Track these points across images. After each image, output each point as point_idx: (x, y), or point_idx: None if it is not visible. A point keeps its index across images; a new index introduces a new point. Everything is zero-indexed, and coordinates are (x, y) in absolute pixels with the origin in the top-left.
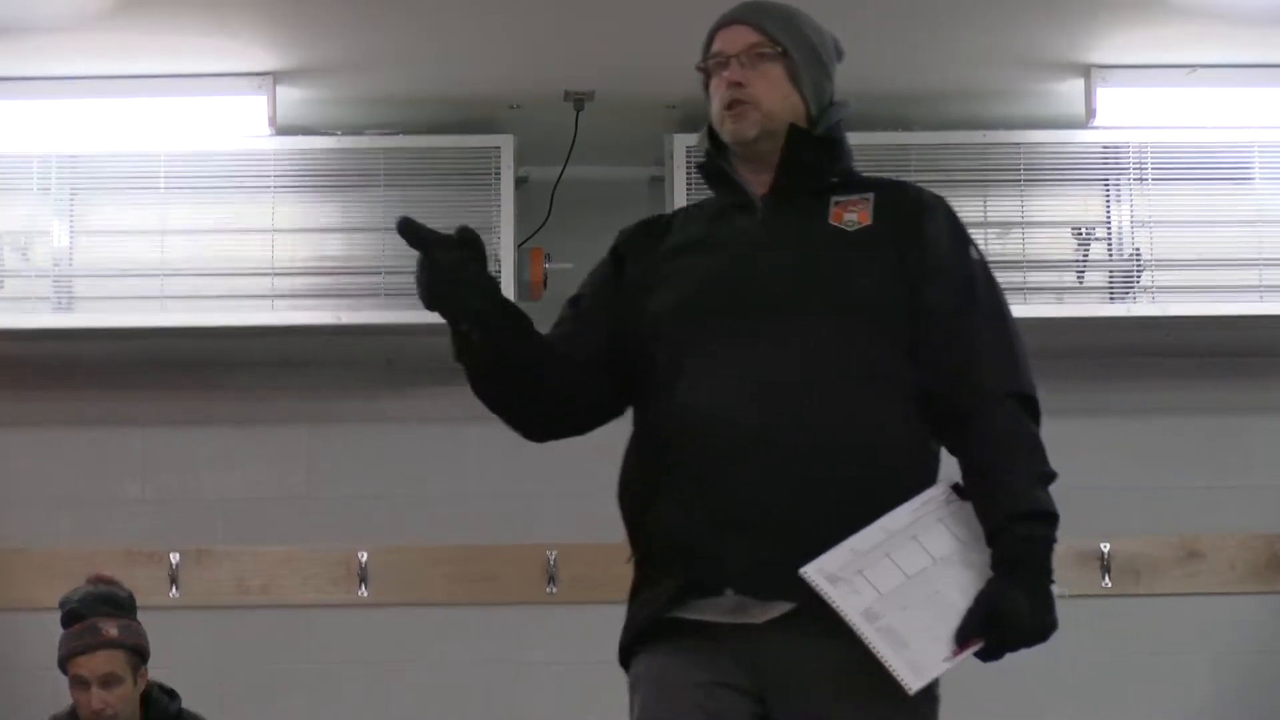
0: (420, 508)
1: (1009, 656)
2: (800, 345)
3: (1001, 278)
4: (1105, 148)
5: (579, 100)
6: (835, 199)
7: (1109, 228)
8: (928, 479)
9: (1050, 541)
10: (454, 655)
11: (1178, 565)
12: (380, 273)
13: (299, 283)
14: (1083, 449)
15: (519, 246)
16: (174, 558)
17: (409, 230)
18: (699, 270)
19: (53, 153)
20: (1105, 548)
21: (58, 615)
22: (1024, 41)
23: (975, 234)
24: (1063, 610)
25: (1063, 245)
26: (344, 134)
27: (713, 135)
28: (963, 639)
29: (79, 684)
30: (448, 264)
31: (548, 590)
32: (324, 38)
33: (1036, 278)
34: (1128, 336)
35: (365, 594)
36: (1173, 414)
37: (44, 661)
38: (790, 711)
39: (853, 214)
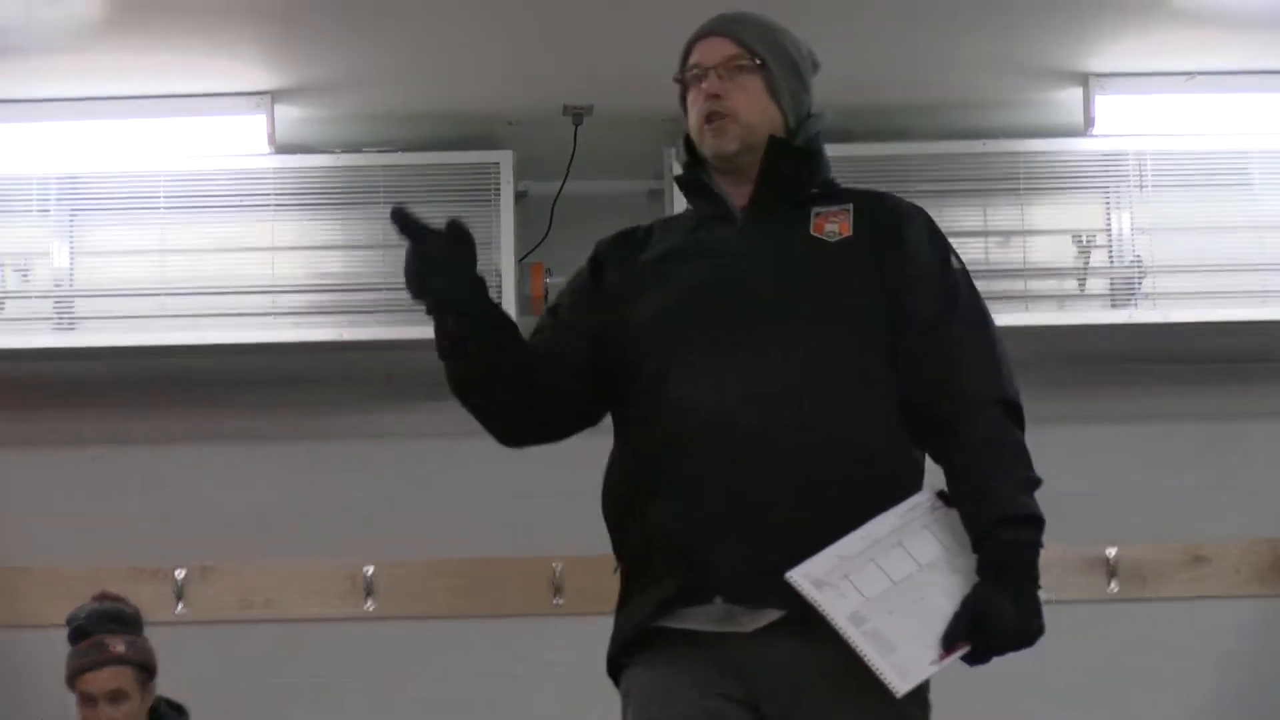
0: (423, 522)
1: (1011, 660)
2: (785, 353)
3: (1003, 286)
4: (1105, 156)
5: (577, 115)
6: (816, 210)
7: (1109, 235)
8: (915, 485)
9: (1036, 546)
10: (459, 668)
11: (1183, 570)
12: (380, 289)
13: (299, 300)
14: (1086, 455)
15: (519, 261)
16: (178, 574)
17: (402, 219)
18: (680, 280)
19: (52, 174)
20: (1110, 553)
21: (64, 632)
22: (1023, 50)
23: (976, 243)
24: (1070, 615)
25: (1063, 253)
26: (343, 152)
27: (690, 147)
28: (949, 643)
29: (86, 700)
30: (439, 255)
31: (554, 602)
32: (321, 56)
33: (1037, 285)
34: (1129, 343)
35: (370, 608)
36: (1175, 419)
37: (51, 679)
38: (784, 718)
39: (833, 225)
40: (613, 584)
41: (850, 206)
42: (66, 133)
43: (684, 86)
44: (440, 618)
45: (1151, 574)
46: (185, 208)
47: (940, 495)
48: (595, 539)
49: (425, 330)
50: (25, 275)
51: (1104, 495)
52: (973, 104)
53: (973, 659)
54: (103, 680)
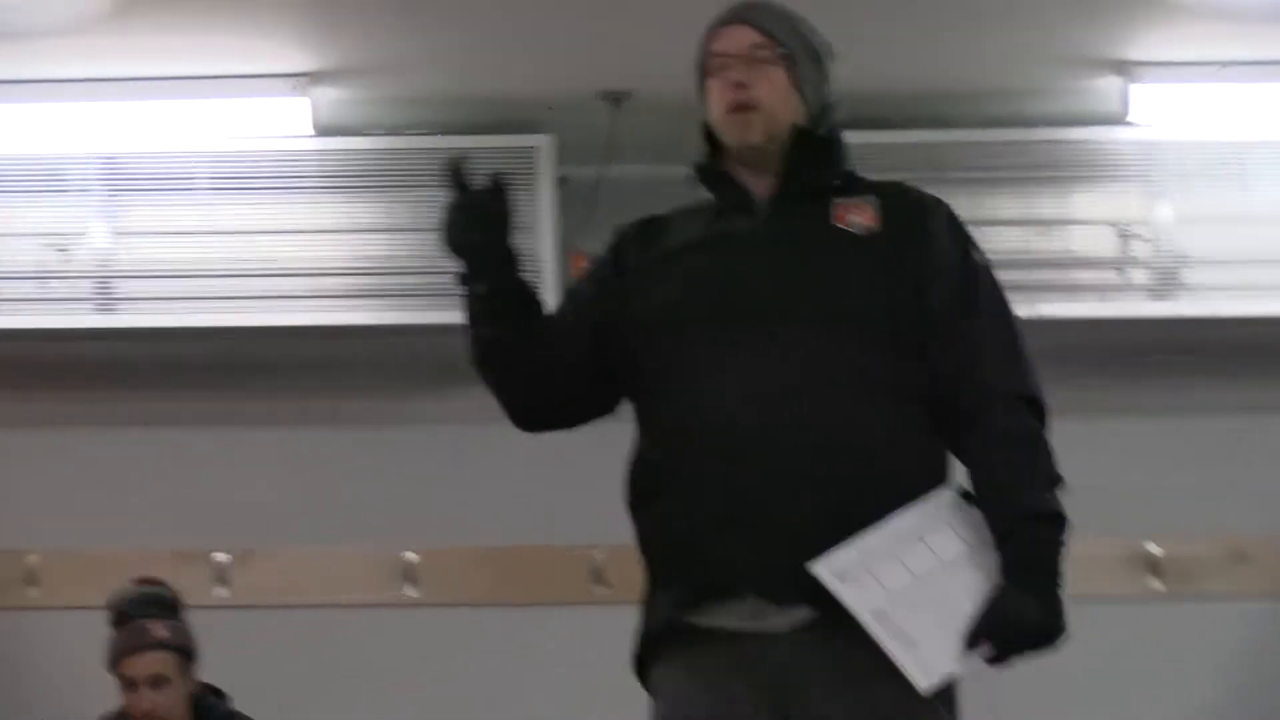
0: (465, 508)
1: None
2: (785, 353)
3: (1042, 276)
4: (1144, 145)
5: (616, 99)
6: (837, 200)
7: (1149, 226)
8: (932, 482)
9: (1059, 544)
10: (502, 655)
11: (1224, 566)
12: (421, 273)
13: (340, 283)
14: (1125, 447)
15: (558, 247)
16: (219, 558)
17: (457, 169)
18: (692, 273)
19: (92, 153)
20: (1150, 547)
21: (104, 616)
22: (1060, 39)
23: (1015, 232)
24: (1107, 611)
25: (1104, 243)
26: (383, 134)
27: (708, 135)
28: (971, 641)
29: (128, 685)
30: (482, 210)
31: (597, 590)
32: (361, 38)
33: (1078, 276)
34: (1170, 334)
35: (411, 594)
36: (1213, 412)
37: (91, 662)
38: (812, 716)
39: (857, 216)
40: None
41: (874, 199)
42: (106, 113)
43: (704, 74)
44: (481, 605)
45: (1191, 569)
46: (225, 189)
47: (962, 492)
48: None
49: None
50: (66, 255)
51: (1143, 488)
52: (1010, 92)
53: (994, 658)
54: (144, 665)
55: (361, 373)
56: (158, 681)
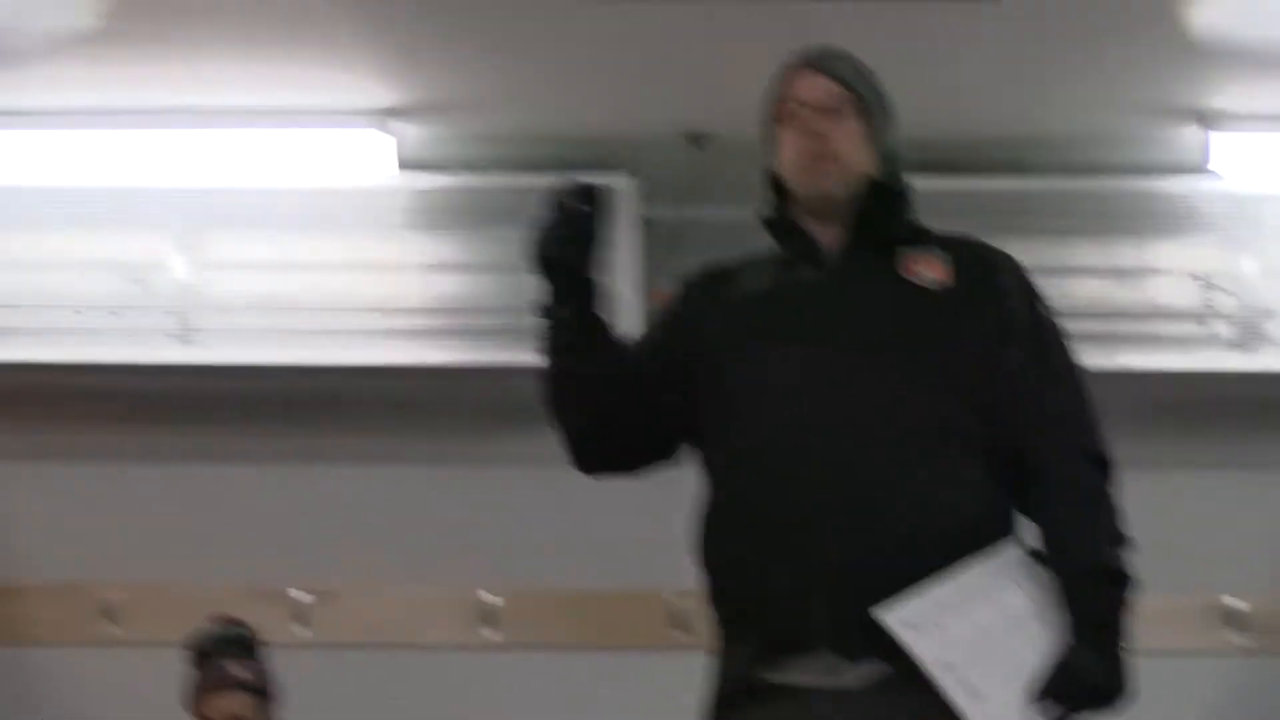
0: (544, 550)
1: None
2: (869, 399)
3: (1122, 327)
4: (1224, 196)
5: (700, 140)
6: (905, 251)
7: (1230, 278)
8: (1000, 536)
9: (1124, 603)
10: (578, 699)
11: None
12: (502, 312)
13: (420, 321)
14: (1204, 501)
15: (640, 288)
16: (298, 596)
17: (572, 194)
18: (760, 324)
19: (172, 186)
20: (1229, 602)
21: (182, 654)
22: (1142, 87)
23: (1093, 282)
24: (1183, 667)
25: (1184, 295)
26: (466, 171)
27: (775, 184)
28: (1035, 697)
29: None
30: (578, 229)
31: (675, 635)
32: (444, 74)
33: (1158, 328)
34: (1251, 388)
35: (490, 636)
36: None
37: (167, 700)
38: None
39: (926, 269)
40: None
41: (943, 252)
42: (186, 143)
43: (775, 121)
44: (559, 648)
45: (1270, 626)
46: (306, 224)
47: (1028, 548)
48: None
49: None
50: (144, 288)
51: (1223, 543)
52: (1091, 139)
53: (1058, 718)
54: (222, 705)
55: (442, 411)
56: None
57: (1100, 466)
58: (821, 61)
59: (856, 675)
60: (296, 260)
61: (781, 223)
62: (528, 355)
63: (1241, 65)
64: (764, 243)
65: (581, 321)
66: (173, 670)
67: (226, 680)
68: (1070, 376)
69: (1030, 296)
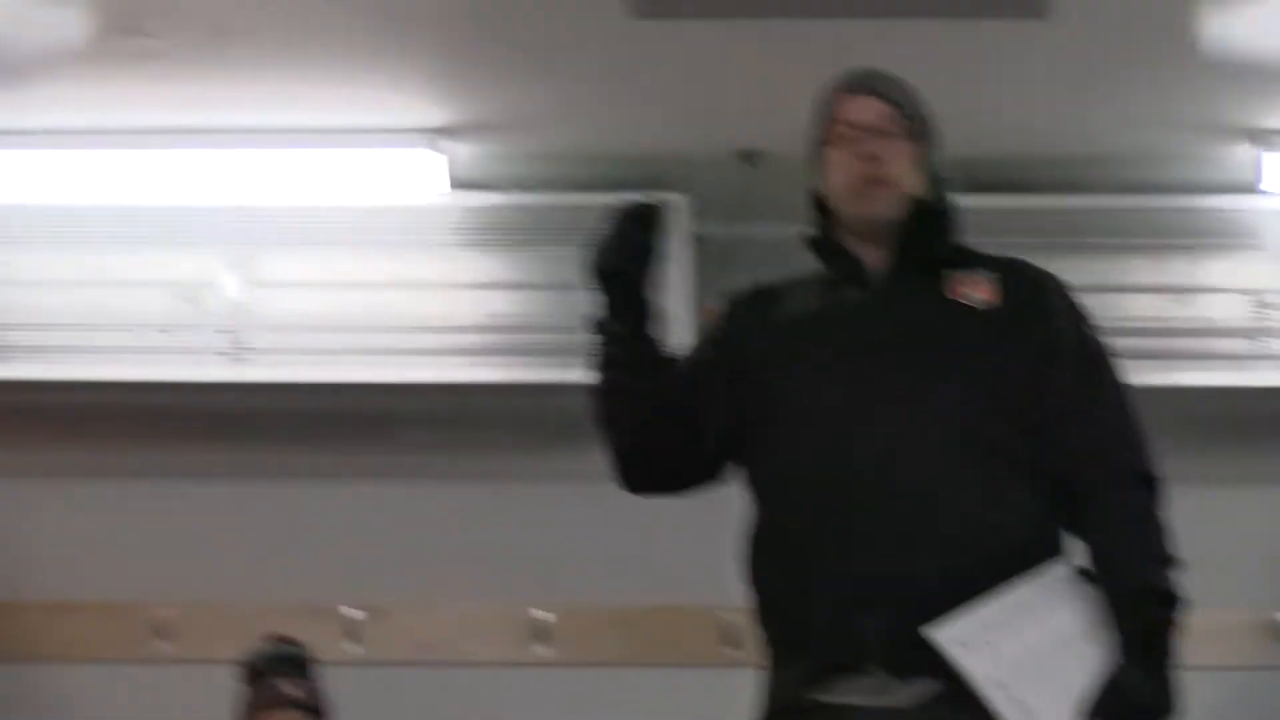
0: (596, 567)
1: None
2: (919, 418)
3: (1176, 344)
4: (1277, 215)
5: (752, 158)
6: (951, 273)
7: None
8: (1049, 554)
9: (1172, 622)
10: (634, 716)
11: None
12: (554, 330)
13: (472, 339)
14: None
15: (692, 306)
16: (350, 613)
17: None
18: (807, 345)
19: (225, 205)
20: None
21: (233, 671)
22: (1194, 106)
23: (1148, 300)
24: (1236, 681)
25: (1238, 312)
26: (518, 190)
27: (819, 204)
28: (1085, 715)
29: None
30: (635, 242)
31: (726, 652)
32: (496, 93)
33: (1211, 345)
34: None
35: (542, 652)
36: None
37: (218, 717)
38: None
39: (973, 290)
40: None
41: (990, 273)
42: (239, 163)
43: (824, 142)
44: (611, 665)
45: None
46: (358, 242)
47: (1077, 567)
48: None
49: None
50: (195, 306)
51: (1275, 558)
52: (1144, 158)
53: None
54: None
55: (493, 429)
56: None
57: (1148, 486)
58: (871, 83)
59: (908, 694)
60: (348, 279)
61: (827, 243)
62: (578, 373)
63: None
64: (813, 261)
65: (635, 337)
66: (225, 688)
67: (279, 698)
68: (1117, 396)
69: (1077, 317)
